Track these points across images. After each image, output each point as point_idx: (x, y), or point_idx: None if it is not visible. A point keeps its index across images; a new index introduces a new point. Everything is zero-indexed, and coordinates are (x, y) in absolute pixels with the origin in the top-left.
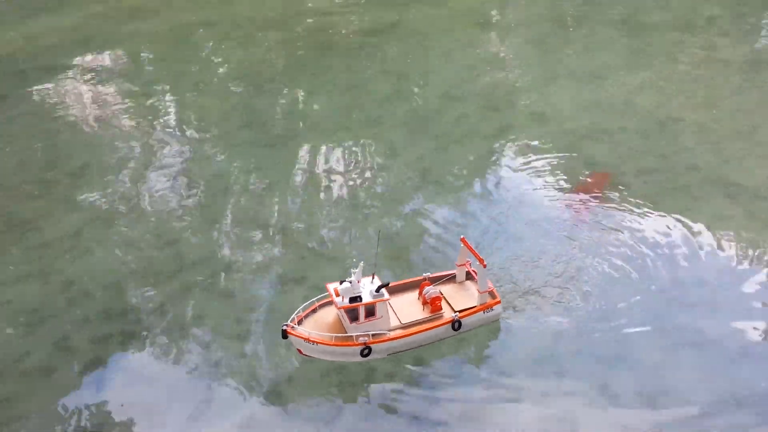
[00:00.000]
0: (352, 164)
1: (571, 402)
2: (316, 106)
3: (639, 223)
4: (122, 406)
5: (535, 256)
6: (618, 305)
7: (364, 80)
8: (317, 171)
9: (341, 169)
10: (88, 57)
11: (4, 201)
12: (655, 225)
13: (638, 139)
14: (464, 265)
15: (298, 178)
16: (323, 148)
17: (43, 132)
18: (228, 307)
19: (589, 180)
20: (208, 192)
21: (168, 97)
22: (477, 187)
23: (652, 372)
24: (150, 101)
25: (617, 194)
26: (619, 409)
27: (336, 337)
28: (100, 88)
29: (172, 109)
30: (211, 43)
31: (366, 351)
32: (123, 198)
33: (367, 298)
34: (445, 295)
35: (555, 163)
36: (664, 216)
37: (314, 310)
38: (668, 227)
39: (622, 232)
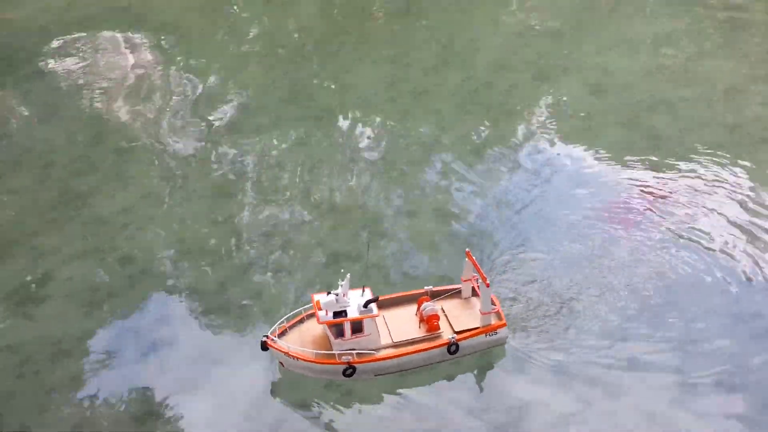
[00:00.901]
0: (401, 138)
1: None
2: (360, 78)
3: (704, 210)
4: (185, 386)
5: (568, 265)
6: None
7: (408, 50)
8: (365, 145)
9: (389, 143)
10: (125, 28)
11: (57, 176)
12: (724, 209)
13: (702, 109)
14: (470, 280)
15: (347, 153)
16: (370, 121)
17: (86, 106)
18: (286, 284)
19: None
20: (257, 168)
21: (210, 69)
22: (527, 166)
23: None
24: (190, 74)
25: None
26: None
27: (318, 353)
28: (138, 60)
29: (214, 83)
30: (246, 14)
31: (349, 371)
32: (171, 174)
33: (353, 314)
34: (446, 312)
35: (614, 139)
36: (734, 197)
37: (302, 320)
38: (739, 210)
39: (683, 229)
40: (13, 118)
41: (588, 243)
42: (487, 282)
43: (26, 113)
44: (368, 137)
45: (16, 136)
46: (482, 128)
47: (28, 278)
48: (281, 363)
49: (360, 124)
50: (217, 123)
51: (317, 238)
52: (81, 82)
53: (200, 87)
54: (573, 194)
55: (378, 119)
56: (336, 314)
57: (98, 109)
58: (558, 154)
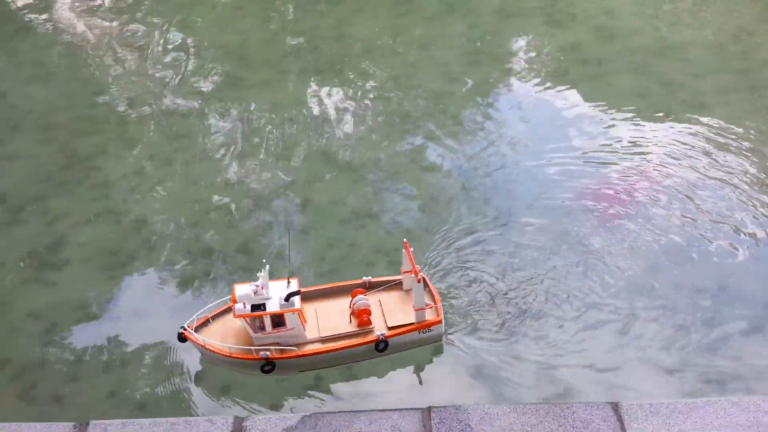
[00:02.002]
0: (409, 90)
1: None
2: (361, 29)
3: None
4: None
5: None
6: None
7: None
8: (374, 99)
9: (399, 96)
10: None
11: (60, 138)
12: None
13: (712, 53)
14: (410, 272)
15: (355, 109)
16: (376, 75)
17: (80, 63)
18: (309, 244)
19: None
20: (265, 124)
21: (205, 22)
22: (538, 120)
23: None
24: (187, 28)
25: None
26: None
27: (234, 348)
28: (128, 14)
29: (212, 36)
30: None
31: (268, 367)
32: (176, 133)
33: (273, 307)
34: (383, 305)
35: (626, 86)
36: (747, 150)
37: (228, 310)
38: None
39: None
40: (5, 79)
41: (572, 222)
42: (419, 277)
43: (17, 73)
44: (377, 91)
45: (10, 98)
46: (491, 79)
47: (44, 243)
48: (202, 354)
49: (366, 78)
50: (219, 78)
51: (334, 196)
52: (70, 38)
53: (198, 40)
54: (552, 183)
55: (384, 72)
56: (254, 307)
57: (93, 66)
58: (573, 106)
